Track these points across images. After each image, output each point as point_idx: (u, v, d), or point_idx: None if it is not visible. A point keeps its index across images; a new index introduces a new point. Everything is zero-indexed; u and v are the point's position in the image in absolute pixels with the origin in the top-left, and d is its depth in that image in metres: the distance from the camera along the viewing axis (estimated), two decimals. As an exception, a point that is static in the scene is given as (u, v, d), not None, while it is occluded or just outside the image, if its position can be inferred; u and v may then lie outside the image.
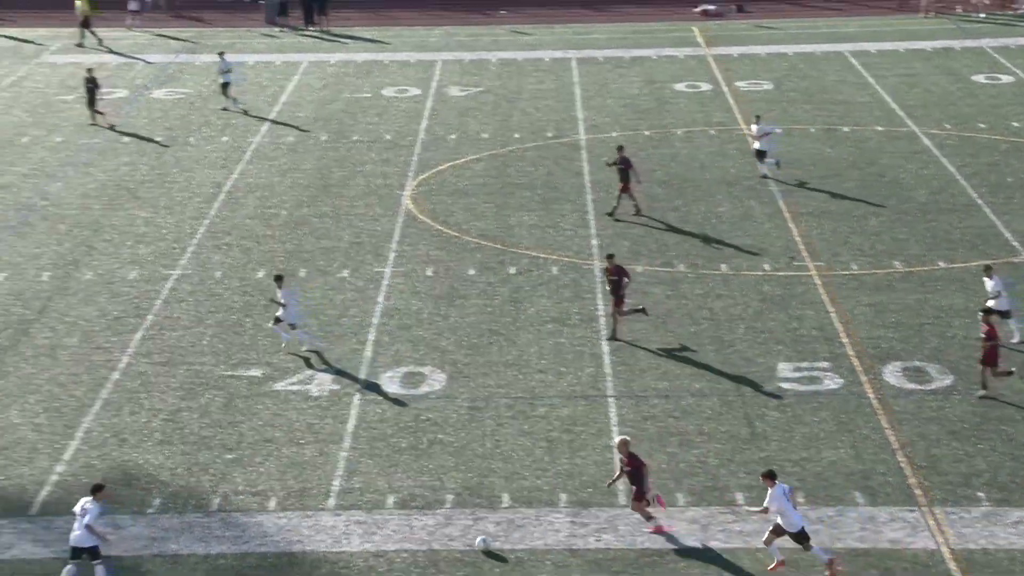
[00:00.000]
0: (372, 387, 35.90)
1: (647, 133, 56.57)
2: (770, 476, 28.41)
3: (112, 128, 57.28)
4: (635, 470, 29.60)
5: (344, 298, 41.21)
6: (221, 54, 60.97)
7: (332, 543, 29.25)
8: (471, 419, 34.35)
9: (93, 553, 27.80)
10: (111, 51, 70.95)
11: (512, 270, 42.60)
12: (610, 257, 38.96)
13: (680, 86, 63.77)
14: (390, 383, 36.16)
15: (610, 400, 35.17)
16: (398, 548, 29.21)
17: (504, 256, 43.98)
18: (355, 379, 36.28)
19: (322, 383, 36.10)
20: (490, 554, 28.86)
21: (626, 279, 38.43)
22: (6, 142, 56.17)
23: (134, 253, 44.57)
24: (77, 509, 27.92)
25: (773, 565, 28.27)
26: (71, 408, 34.96)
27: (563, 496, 31.00)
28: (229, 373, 36.68)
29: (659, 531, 29.67)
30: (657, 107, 60.49)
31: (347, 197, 49.65)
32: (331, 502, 30.84)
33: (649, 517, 29.84)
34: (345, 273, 43.03)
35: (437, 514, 30.43)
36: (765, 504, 28.34)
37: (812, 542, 28.26)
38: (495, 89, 63.66)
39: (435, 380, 36.30)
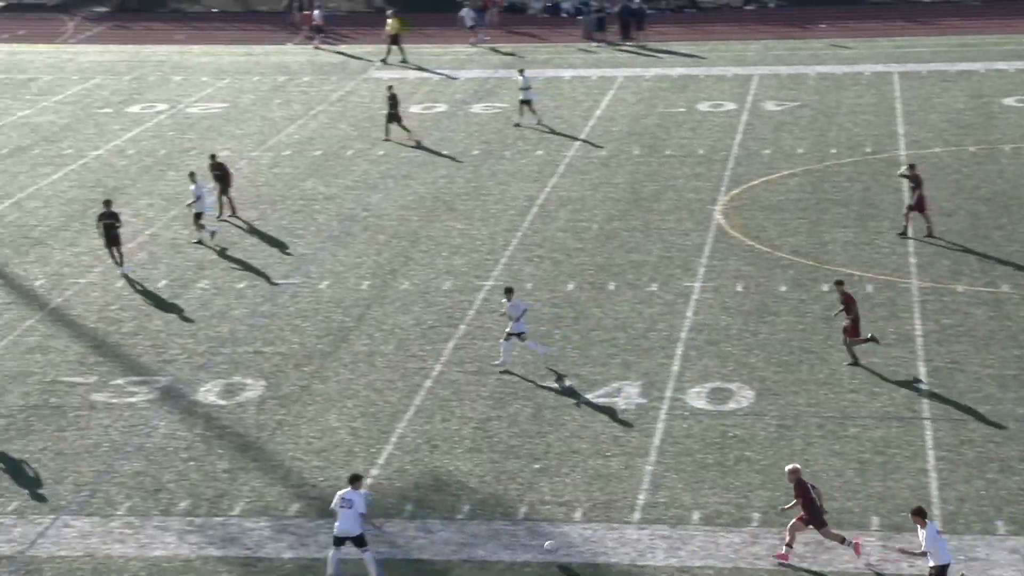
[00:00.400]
0: (679, 402, 35.76)
1: (972, 149, 55.10)
2: (920, 514, 27.09)
3: (418, 144, 58.32)
4: (805, 500, 28.79)
5: (653, 312, 41.14)
6: (521, 71, 61.68)
7: (636, 556, 29.17)
8: (779, 437, 33.89)
9: (359, 541, 28.47)
10: (419, 68, 72.40)
11: (825, 287, 41.91)
12: (839, 284, 37.95)
13: (1010, 100, 61.99)
14: (697, 398, 35.94)
15: (926, 422, 34.29)
16: (703, 564, 28.97)
17: (817, 273, 43.33)
18: (662, 393, 36.18)
19: (629, 396, 36.08)
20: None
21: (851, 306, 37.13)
22: (332, 155, 57.75)
23: (449, 264, 45.31)
24: (336, 501, 28.57)
25: None
26: (386, 414, 35.68)
27: (875, 519, 30.32)
28: (538, 384, 36.95)
29: (857, 550, 28.73)
30: (984, 122, 58.88)
31: (658, 211, 49.60)
32: (636, 515, 30.77)
33: (842, 540, 28.94)
34: (654, 287, 42.96)
35: (743, 532, 30.10)
36: (923, 547, 26.98)
37: None
38: (812, 103, 62.86)
39: (743, 397, 35.94)
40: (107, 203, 45.57)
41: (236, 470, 33.19)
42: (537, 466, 32.89)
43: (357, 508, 28.40)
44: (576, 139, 58.63)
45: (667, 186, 52.27)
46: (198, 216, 47.50)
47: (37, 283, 44.70)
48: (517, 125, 60.49)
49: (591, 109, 63.23)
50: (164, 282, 44.57)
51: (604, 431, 34.41)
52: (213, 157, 50.58)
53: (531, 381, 36.94)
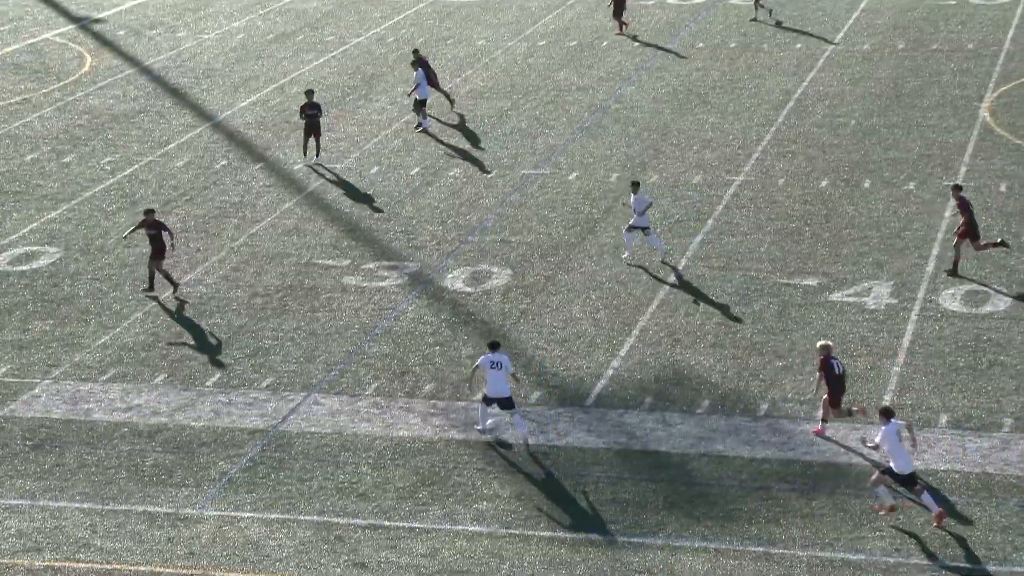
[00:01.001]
0: (932, 303, 34.98)
1: None
2: (886, 414, 26.84)
3: (635, 39, 57.62)
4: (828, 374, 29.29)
5: (908, 211, 40.22)
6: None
7: (879, 457, 28.73)
8: (1035, 342, 33.00)
9: (508, 403, 29.36)
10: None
11: (1090, 190, 40.49)
12: (956, 188, 36.83)
13: None
14: (951, 300, 35.11)
15: None
16: (948, 468, 28.42)
17: (1083, 175, 41.90)
18: (914, 294, 35.42)
19: (879, 296, 35.42)
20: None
21: None
22: (586, 46, 57.51)
23: (699, 158, 44.88)
24: (485, 363, 29.44)
25: (879, 507, 26.87)
26: (629, 306, 35.63)
27: None
28: (785, 281, 36.49)
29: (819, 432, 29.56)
30: None
31: (920, 107, 48.36)
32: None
33: (824, 419, 29.58)
34: (911, 185, 41.97)
35: (993, 437, 29.41)
36: (877, 441, 26.81)
37: (921, 487, 26.61)
38: (1087, 0, 60.54)
39: (1000, 301, 35.01)
40: (308, 93, 45.50)
41: (480, 356, 33.53)
42: (780, 364, 32.55)
43: (507, 369, 29.33)
44: (838, 32, 57.39)
45: (931, 81, 50.89)
46: (421, 103, 47.80)
47: (296, 167, 45.56)
48: (754, 20, 59.48)
49: (856, 2, 61.77)
50: (417, 169, 45.04)
51: (851, 331, 33.86)
52: (415, 52, 50.52)
53: (777, 279, 36.53)
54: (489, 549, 26.56)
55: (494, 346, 29.89)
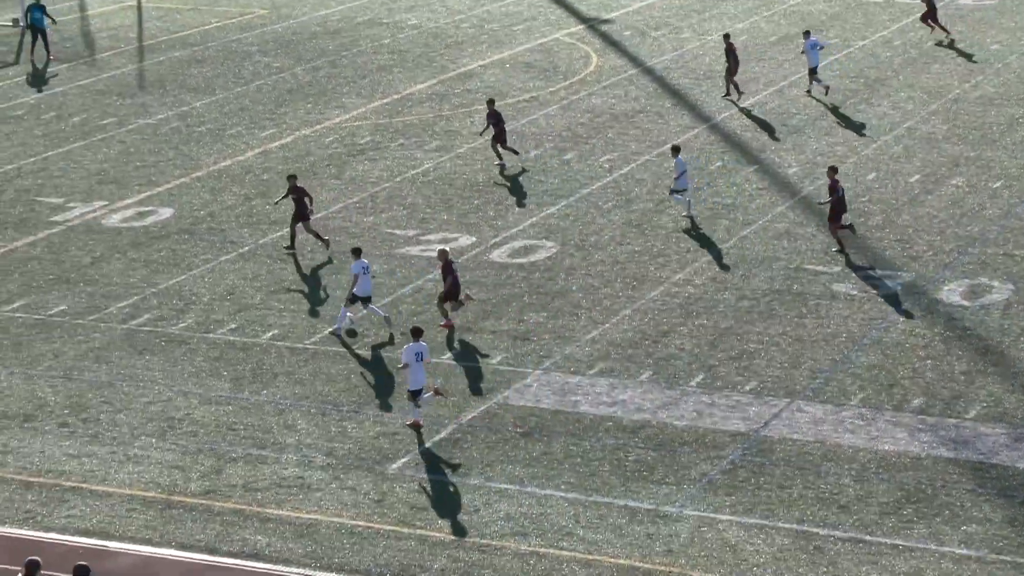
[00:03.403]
0: None
1: None
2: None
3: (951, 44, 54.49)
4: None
5: None
6: None
7: None
8: None
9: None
10: None
11: None
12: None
13: None
14: None
15: None
16: None
17: None
18: None
19: None
20: None
21: None
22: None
23: None
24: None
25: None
26: None
27: None
28: None
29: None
30: None
31: None
32: None
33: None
34: None
35: None
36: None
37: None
38: None
39: None
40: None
41: (974, 372, 32.52)
42: None
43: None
44: None
45: None
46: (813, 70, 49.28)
47: (791, 171, 45.27)
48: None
49: None
50: (916, 177, 44.04)
51: None
52: (726, 37, 52.33)
53: None
54: (977, 574, 25.69)
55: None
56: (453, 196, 43.77)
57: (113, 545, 27.06)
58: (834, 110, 50.26)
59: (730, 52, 51.97)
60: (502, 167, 41.98)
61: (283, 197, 40.25)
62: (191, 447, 30.40)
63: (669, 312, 36.18)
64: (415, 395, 30.83)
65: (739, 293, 37.07)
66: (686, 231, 40.75)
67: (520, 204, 43.26)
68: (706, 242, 40.22)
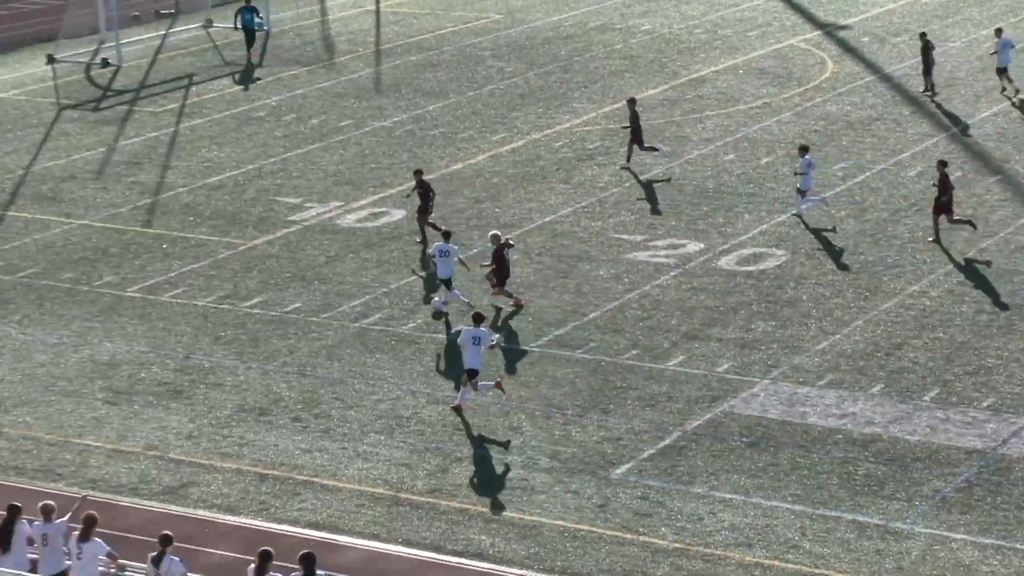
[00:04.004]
0: None
1: None
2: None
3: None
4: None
5: None
6: None
7: None
8: None
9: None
10: None
11: None
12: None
13: None
14: None
15: None
16: None
17: None
18: None
19: None
20: None
21: None
22: None
23: None
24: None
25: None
26: None
27: None
28: None
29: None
30: None
31: None
32: None
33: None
34: None
35: None
36: None
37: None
38: None
39: None
40: None
41: None
42: None
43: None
44: None
45: None
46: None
47: (1032, 183, 44.16)
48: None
49: None
50: None
51: None
52: (923, 35, 53.00)
53: None
54: None
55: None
56: (682, 202, 43.50)
57: (342, 539, 27.41)
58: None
59: (926, 50, 51.97)
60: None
61: (412, 191, 41.15)
62: (418, 445, 30.65)
63: (903, 324, 35.45)
64: (470, 375, 31.51)
65: (977, 307, 36.17)
66: (923, 242, 39.96)
67: (750, 211, 42.82)
68: (943, 254, 39.34)
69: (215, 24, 65.43)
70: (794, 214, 42.00)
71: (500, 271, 36.57)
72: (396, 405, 32.34)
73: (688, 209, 43.03)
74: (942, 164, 40.54)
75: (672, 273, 38.68)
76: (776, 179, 45.23)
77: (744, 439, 30.55)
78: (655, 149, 46.75)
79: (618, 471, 29.55)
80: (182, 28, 65.24)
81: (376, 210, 43.75)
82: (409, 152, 48.56)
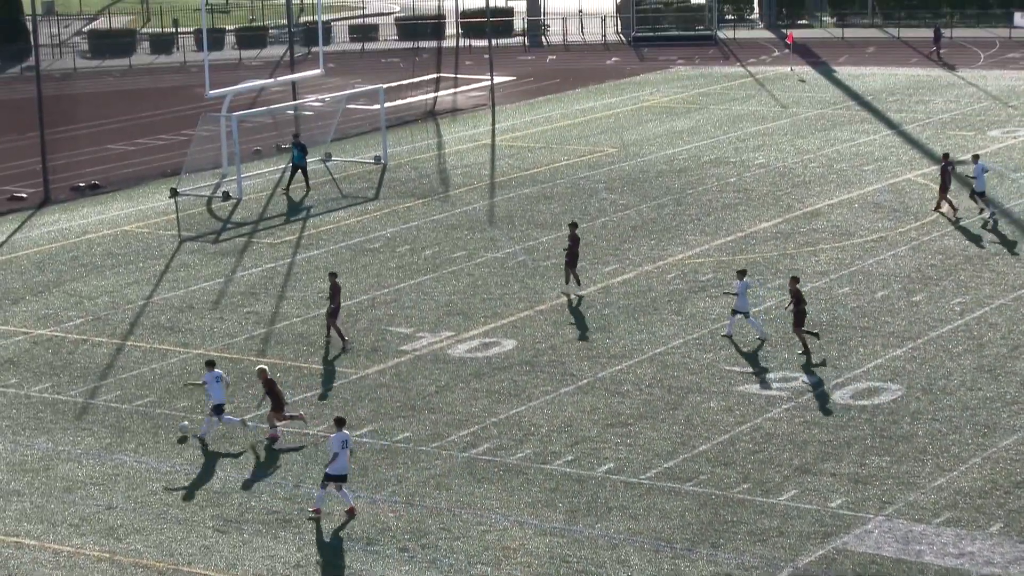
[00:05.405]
0: None
1: None
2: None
3: None
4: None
5: None
6: None
7: None
8: None
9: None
10: None
11: None
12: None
13: None
14: None
15: None
16: None
17: None
18: None
19: None
20: None
21: None
22: None
23: None
24: None
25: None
26: None
27: None
28: None
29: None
30: None
31: None
32: None
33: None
34: None
35: None
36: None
37: None
38: None
39: None
40: None
41: None
42: None
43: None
44: None
45: None
46: None
47: None
48: None
49: None
50: None
51: None
52: (945, 156, 54.29)
53: None
54: None
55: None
56: (795, 335, 43.16)
57: (444, 672, 27.12)
58: None
59: (944, 173, 54.21)
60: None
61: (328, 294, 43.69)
62: (525, 578, 30.39)
63: (1023, 462, 34.74)
64: (331, 479, 33.08)
65: (1097, 443, 35.42)
66: (1040, 378, 39.29)
67: (865, 345, 42.35)
68: (1062, 390, 38.67)
69: (333, 157, 66.36)
70: (725, 335, 43.09)
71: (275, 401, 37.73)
72: (503, 536, 32.12)
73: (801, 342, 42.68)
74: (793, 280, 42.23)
75: (784, 406, 38.29)
76: (892, 312, 44.77)
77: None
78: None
79: (727, 607, 29.06)
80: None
81: (487, 340, 43.82)
82: (521, 283, 48.71)
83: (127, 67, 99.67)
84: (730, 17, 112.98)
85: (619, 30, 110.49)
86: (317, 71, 71.40)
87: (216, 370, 37.58)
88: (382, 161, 65.89)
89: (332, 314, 43.63)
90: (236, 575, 30.85)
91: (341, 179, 63.70)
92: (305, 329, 45.12)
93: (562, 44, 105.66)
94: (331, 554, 31.55)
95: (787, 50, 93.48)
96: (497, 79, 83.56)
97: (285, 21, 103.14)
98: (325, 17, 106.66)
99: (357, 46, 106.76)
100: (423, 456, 36.17)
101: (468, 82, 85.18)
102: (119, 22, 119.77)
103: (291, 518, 33.20)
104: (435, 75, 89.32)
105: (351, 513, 33.05)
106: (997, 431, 36.42)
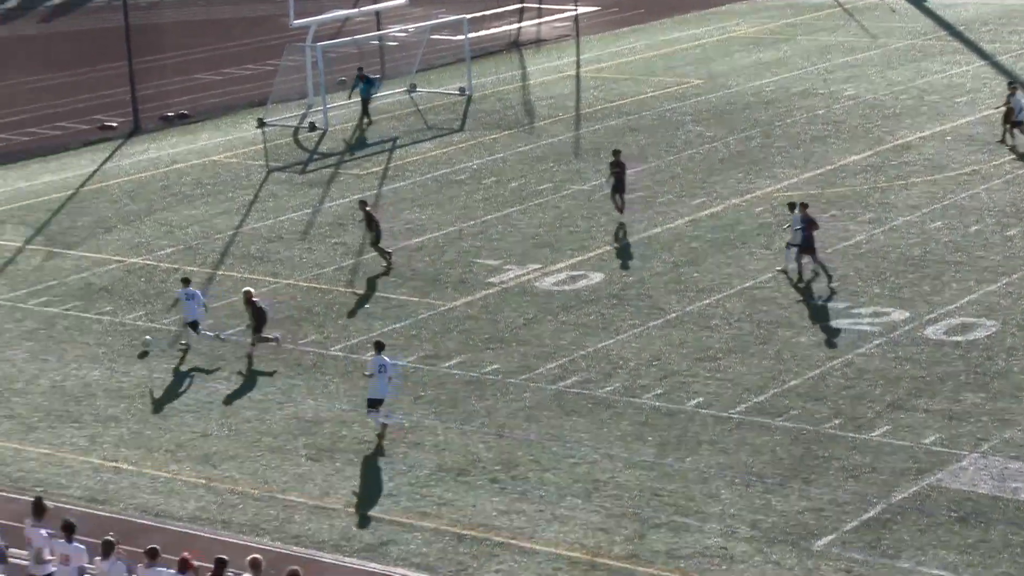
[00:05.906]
0: None
1: None
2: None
3: None
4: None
5: None
6: None
7: None
8: None
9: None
10: None
11: None
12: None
13: None
14: None
15: None
16: None
17: None
18: None
19: None
20: None
21: None
22: None
23: None
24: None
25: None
26: None
27: None
28: None
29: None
30: None
31: None
32: None
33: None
34: None
35: None
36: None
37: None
38: None
39: None
40: None
41: None
42: None
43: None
44: None
45: None
46: None
47: None
48: None
49: None
50: None
51: None
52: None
53: None
54: None
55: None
56: (886, 269, 42.78)
57: (537, 603, 27.26)
58: None
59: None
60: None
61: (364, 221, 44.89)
62: (615, 510, 30.39)
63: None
64: (373, 404, 33.68)
65: None
66: None
67: (958, 280, 41.94)
68: None
69: (418, 89, 66.25)
70: (779, 269, 42.81)
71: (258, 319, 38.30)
72: (593, 468, 32.15)
73: (892, 277, 42.29)
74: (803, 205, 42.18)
75: (876, 342, 38.01)
76: (986, 247, 44.27)
77: (952, 514, 29.77)
78: None
79: (820, 543, 28.96)
80: (386, 93, 66.13)
81: (574, 273, 43.73)
82: (607, 216, 48.51)
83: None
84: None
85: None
86: (401, 0, 71.20)
87: (190, 287, 39.07)
88: (467, 92, 65.70)
89: (375, 242, 44.61)
90: (329, 503, 31.08)
91: (426, 111, 63.60)
92: (393, 260, 45.19)
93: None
94: (422, 484, 31.71)
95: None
96: (581, 9, 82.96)
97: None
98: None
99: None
100: (512, 388, 36.21)
101: (552, 12, 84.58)
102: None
103: (382, 448, 33.37)
104: (519, 5, 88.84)
105: (381, 437, 33.62)
106: (1093, 368, 36.05)
